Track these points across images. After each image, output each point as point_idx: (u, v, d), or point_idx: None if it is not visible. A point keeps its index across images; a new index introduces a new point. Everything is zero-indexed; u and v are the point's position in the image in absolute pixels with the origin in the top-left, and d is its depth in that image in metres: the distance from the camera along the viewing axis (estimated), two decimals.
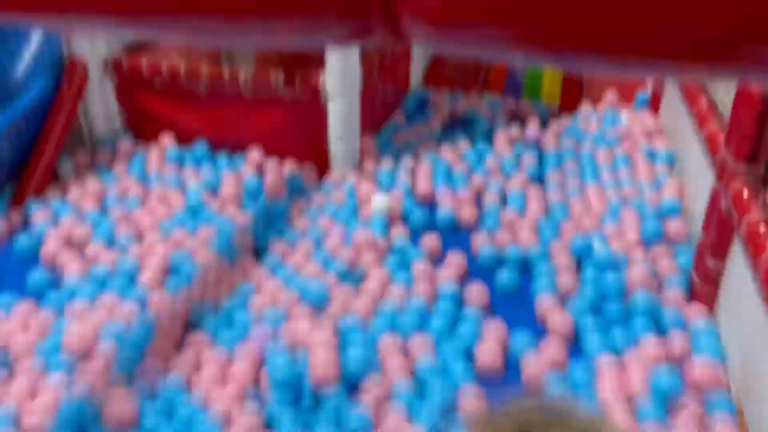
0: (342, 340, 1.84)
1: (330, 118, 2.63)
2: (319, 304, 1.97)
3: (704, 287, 1.92)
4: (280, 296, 2.03)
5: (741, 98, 1.70)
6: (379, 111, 3.07)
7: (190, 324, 1.95)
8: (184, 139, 2.84)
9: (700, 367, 1.65)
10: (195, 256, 2.17)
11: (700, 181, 2.34)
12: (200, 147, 2.80)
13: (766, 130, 1.63)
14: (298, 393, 1.66)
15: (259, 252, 2.31)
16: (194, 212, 2.47)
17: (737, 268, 1.75)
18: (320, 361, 1.64)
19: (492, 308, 2.05)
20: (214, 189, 2.61)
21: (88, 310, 1.96)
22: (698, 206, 2.26)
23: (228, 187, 2.57)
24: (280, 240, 2.33)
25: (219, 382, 1.71)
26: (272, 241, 2.32)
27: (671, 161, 2.78)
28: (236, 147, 2.82)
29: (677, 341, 1.78)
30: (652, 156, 2.85)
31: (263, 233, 2.36)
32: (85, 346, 1.79)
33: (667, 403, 1.60)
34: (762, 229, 1.50)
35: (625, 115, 3.21)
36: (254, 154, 2.77)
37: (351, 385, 1.69)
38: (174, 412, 1.64)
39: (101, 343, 1.80)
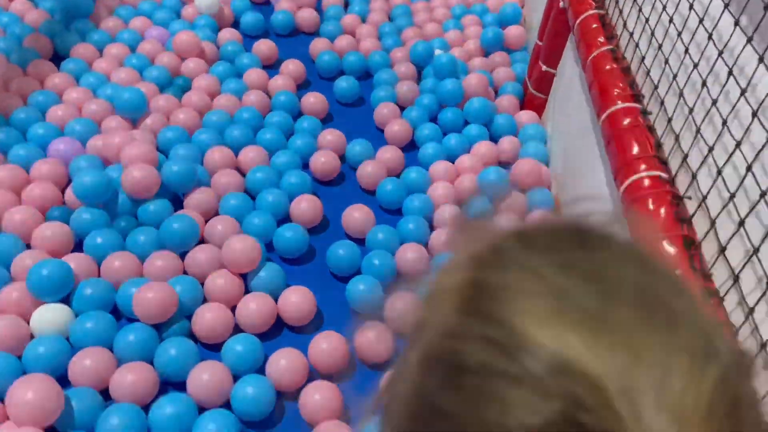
0: (163, 155, 1.66)
1: None
2: (135, 116, 1.74)
3: (536, 93, 1.96)
4: (88, 107, 1.75)
5: None
6: None
7: None
8: None
9: (525, 167, 1.71)
10: None
11: None
12: None
13: None
14: (111, 210, 1.49)
15: (57, 57, 1.95)
16: None
17: (567, 73, 1.78)
18: (137, 177, 1.46)
19: (331, 119, 1.95)
20: None
21: None
22: (536, 16, 2.24)
23: None
24: (85, 43, 1.98)
25: (15, 203, 1.48)
26: (74, 44, 1.96)
27: None
28: None
29: (507, 146, 1.83)
30: None
31: (62, 34, 1.98)
32: None
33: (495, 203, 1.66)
34: (594, 24, 1.49)
35: None
36: None
37: (175, 199, 1.55)
38: None
39: None
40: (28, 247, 1.41)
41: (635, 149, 1.18)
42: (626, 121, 1.25)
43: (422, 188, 1.70)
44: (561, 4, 1.75)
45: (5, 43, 1.91)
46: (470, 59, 2.15)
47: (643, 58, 1.30)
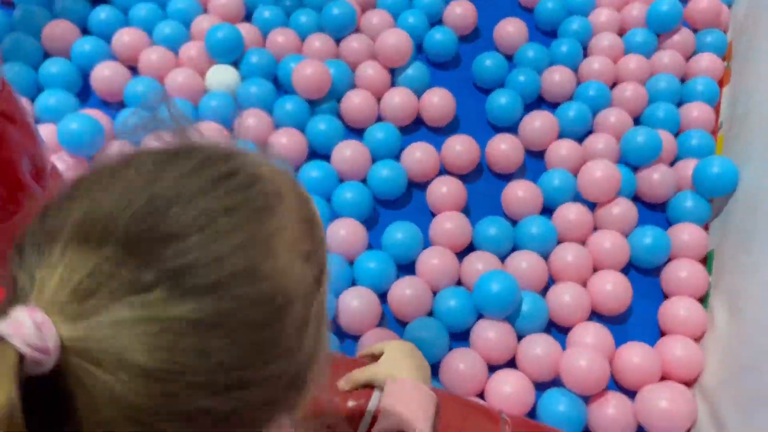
0: None
1: None
2: None
3: None
4: None
5: None
6: None
7: None
8: None
9: (702, 3, 1.56)
10: None
11: None
12: None
13: None
14: None
15: None
16: None
17: None
18: None
19: None
20: None
21: None
22: None
23: None
24: None
25: None
26: None
27: None
28: None
29: None
30: None
31: None
32: None
33: (659, 35, 1.56)
34: None
35: None
36: None
37: None
38: None
39: None
40: (206, 11, 1.54)
41: None
42: None
43: (584, 11, 1.61)
44: None
45: None
46: None
47: None
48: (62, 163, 1.26)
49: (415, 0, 1.59)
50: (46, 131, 1.29)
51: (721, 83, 1.52)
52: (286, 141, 1.33)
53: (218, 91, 1.39)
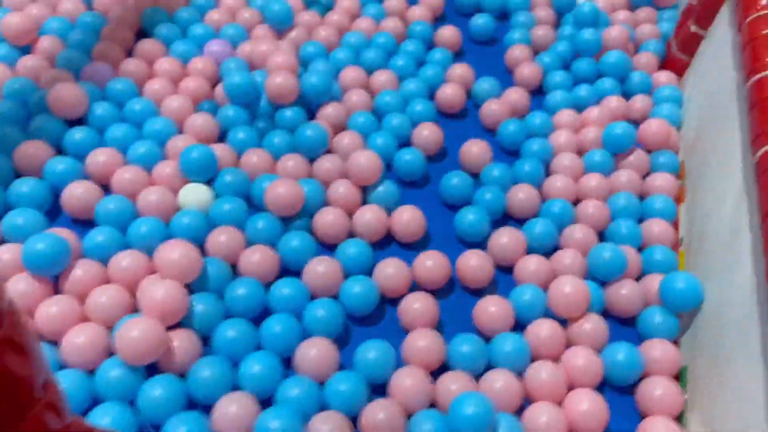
0: (303, 66, 1.78)
1: None
2: (281, 27, 1.85)
3: (680, 54, 1.88)
4: (241, 14, 1.89)
5: None
6: None
7: (141, 32, 1.83)
8: None
9: (653, 126, 1.67)
10: None
11: None
12: None
13: None
14: (253, 111, 1.62)
15: None
16: None
17: (717, 36, 1.69)
18: (279, 82, 1.58)
19: (462, 54, 1.98)
20: None
21: (27, 3, 1.81)
22: None
23: None
24: None
25: (172, 92, 1.65)
26: None
27: None
28: None
29: (639, 104, 1.79)
30: None
31: None
32: (24, 37, 1.68)
33: (615, 156, 1.65)
34: None
35: None
36: None
37: (309, 111, 1.67)
38: (124, 110, 1.59)
39: (42, 39, 1.69)
40: (181, 131, 1.58)
41: None
42: None
43: (544, 133, 1.71)
44: None
45: None
46: (614, 11, 2.08)
47: None
48: (25, 283, 1.23)
49: (384, 122, 1.67)
50: (10, 251, 1.26)
51: (677, 200, 1.60)
52: (258, 258, 1.33)
53: (191, 209, 1.40)
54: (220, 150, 1.51)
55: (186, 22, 1.85)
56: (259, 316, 1.28)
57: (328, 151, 1.59)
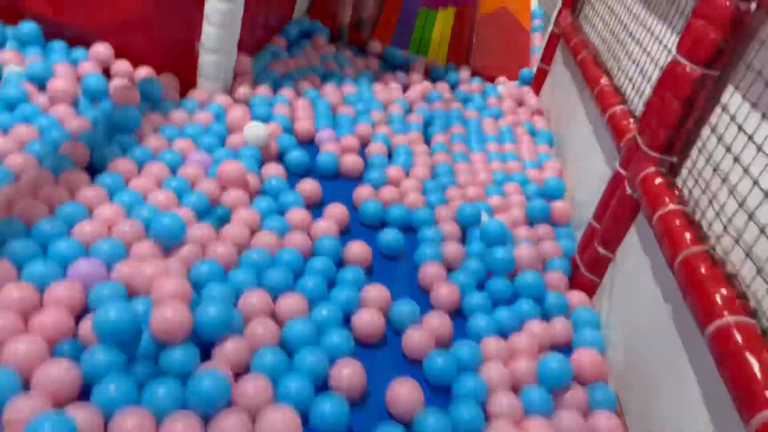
0: (196, 291, 1.49)
1: (206, 16, 2.17)
2: (169, 243, 1.59)
3: (588, 275, 1.87)
4: (119, 227, 1.61)
5: (665, 81, 1.61)
6: (260, 31, 2.65)
7: None
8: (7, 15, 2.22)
9: (586, 358, 1.57)
10: (4, 159, 1.66)
11: (583, 164, 2.31)
12: (28, 27, 2.21)
13: (688, 119, 1.56)
14: (130, 353, 1.29)
15: (94, 168, 1.84)
16: (10, 105, 1.93)
17: (631, 259, 1.70)
18: (169, 318, 1.28)
19: (372, 270, 1.82)
20: (41, 81, 2.07)
21: None
22: (581, 190, 2.23)
23: (60, 82, 2.03)
24: (124, 157, 1.88)
25: (20, 330, 1.28)
26: (113, 157, 1.86)
27: (551, 141, 2.75)
28: (79, 39, 2.26)
29: (560, 327, 1.71)
30: (533, 134, 2.82)
31: (101, 146, 1.89)
32: None
33: (554, 394, 1.50)
34: (678, 222, 1.42)
35: (501, 87, 3.22)
36: (101, 48, 2.24)
37: (203, 350, 1.36)
38: None
39: None
40: (28, 385, 1.19)
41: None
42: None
43: (474, 365, 1.53)
44: (627, 190, 1.71)
45: (40, 147, 1.80)
46: (515, 228, 2.09)
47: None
48: None
49: (296, 361, 1.40)
50: None
51: None
52: None
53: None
54: (81, 414, 1.13)
55: (47, 236, 1.52)
56: None
57: (229, 404, 1.27)
